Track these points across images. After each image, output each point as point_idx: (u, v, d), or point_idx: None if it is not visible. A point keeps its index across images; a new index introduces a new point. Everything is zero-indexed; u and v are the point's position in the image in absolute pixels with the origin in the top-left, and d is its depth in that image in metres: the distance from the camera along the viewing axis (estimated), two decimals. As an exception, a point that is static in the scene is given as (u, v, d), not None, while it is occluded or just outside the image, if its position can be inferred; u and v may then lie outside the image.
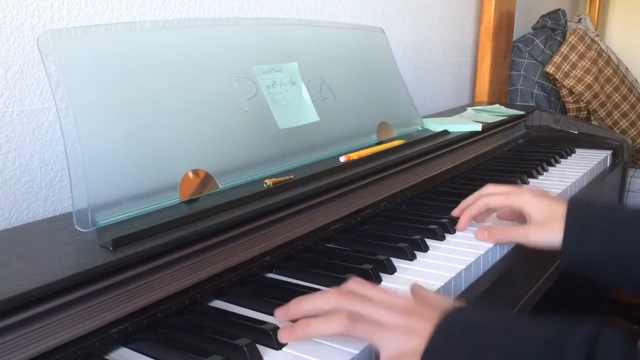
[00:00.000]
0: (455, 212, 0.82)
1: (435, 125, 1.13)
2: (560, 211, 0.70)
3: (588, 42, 1.94)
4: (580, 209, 0.70)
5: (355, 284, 0.55)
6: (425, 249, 0.72)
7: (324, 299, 0.53)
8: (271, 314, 0.57)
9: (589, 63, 1.90)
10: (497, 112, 1.38)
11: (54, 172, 0.79)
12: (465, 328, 0.49)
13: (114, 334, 0.51)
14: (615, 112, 1.96)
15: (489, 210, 0.80)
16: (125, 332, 0.52)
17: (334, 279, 0.63)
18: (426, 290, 0.57)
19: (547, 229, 0.71)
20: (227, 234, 0.61)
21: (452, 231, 0.78)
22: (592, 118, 1.97)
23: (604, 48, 2.07)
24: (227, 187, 0.71)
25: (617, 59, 2.15)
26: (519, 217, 0.78)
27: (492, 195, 0.78)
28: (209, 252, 0.60)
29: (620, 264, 0.66)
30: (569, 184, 1.03)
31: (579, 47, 1.92)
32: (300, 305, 0.53)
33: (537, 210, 0.73)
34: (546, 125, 1.43)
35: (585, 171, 1.13)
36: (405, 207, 0.90)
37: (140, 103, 0.66)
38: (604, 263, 0.67)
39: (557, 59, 1.90)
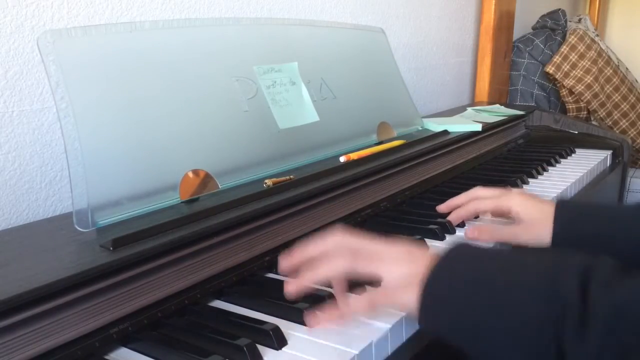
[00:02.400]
0: (441, 208, 0.82)
1: (435, 125, 1.13)
2: (548, 211, 0.71)
3: (588, 42, 1.94)
4: (568, 208, 0.71)
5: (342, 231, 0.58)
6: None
7: (325, 240, 0.55)
8: (271, 314, 0.57)
9: (589, 63, 1.90)
10: (497, 112, 1.38)
11: (54, 172, 0.79)
12: (469, 257, 0.51)
13: (114, 334, 0.51)
14: (615, 112, 1.96)
15: (477, 214, 0.82)
16: (125, 332, 0.52)
17: (334, 279, 0.63)
18: None
19: (535, 229, 0.71)
20: (227, 234, 0.61)
21: (452, 231, 0.78)
22: (592, 118, 1.97)
23: (604, 48, 2.07)
24: (227, 187, 0.71)
25: (617, 59, 2.15)
26: (507, 217, 0.79)
27: (482, 199, 0.79)
28: (209, 252, 0.60)
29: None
30: (569, 184, 1.03)
31: (579, 47, 1.92)
32: (303, 251, 0.56)
33: (526, 210, 0.74)
34: (546, 125, 1.43)
35: (585, 171, 1.13)
36: (405, 207, 0.90)
37: (140, 103, 0.66)
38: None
39: (557, 59, 1.90)
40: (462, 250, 0.52)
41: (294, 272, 0.56)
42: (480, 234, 0.75)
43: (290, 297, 0.54)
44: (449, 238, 0.77)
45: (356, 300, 0.53)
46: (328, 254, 0.54)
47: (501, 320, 0.45)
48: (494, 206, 0.78)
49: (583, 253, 0.48)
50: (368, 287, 0.57)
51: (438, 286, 0.49)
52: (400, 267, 0.52)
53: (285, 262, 0.56)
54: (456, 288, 0.49)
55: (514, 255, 0.51)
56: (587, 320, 0.42)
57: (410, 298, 0.50)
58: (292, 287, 0.54)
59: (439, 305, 0.49)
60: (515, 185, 0.99)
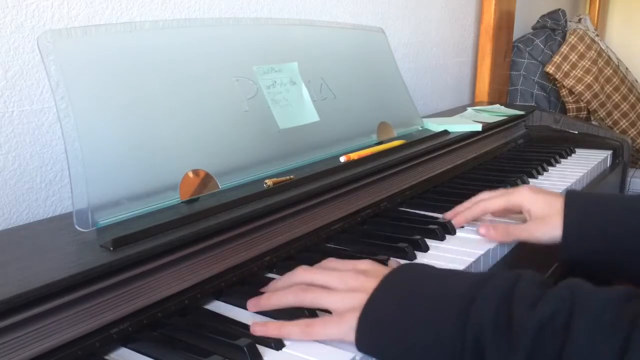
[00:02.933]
0: (448, 216, 0.82)
1: (435, 125, 1.13)
2: (558, 205, 0.71)
3: (588, 42, 1.94)
4: (578, 202, 0.71)
5: (325, 260, 0.61)
6: (425, 249, 0.72)
7: (287, 276, 0.59)
8: (271, 315, 0.57)
9: (589, 63, 1.90)
10: (497, 112, 1.37)
11: (54, 172, 0.79)
12: (404, 281, 0.52)
13: (114, 334, 0.51)
14: (615, 112, 1.96)
15: (486, 214, 0.81)
16: (125, 332, 0.52)
17: (334, 279, 0.63)
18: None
19: (548, 224, 0.71)
20: (227, 234, 0.61)
21: (453, 231, 0.78)
22: (592, 118, 1.97)
23: (604, 48, 2.07)
24: (227, 187, 0.71)
25: (617, 59, 2.15)
26: (515, 214, 0.79)
27: (490, 199, 0.78)
28: (209, 252, 0.60)
29: (618, 256, 0.67)
30: (569, 184, 1.03)
31: (579, 47, 1.92)
32: (274, 284, 0.60)
33: (536, 205, 0.74)
34: (546, 125, 1.43)
35: (585, 171, 1.13)
36: (405, 207, 0.90)
37: (141, 103, 0.66)
38: (602, 255, 0.68)
39: (557, 59, 1.90)
40: (399, 275, 0.53)
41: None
42: (496, 235, 0.75)
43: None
44: (449, 238, 0.77)
45: (294, 325, 0.53)
46: (285, 285, 0.58)
47: (425, 348, 0.47)
48: (504, 203, 0.77)
49: (510, 272, 0.50)
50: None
51: (373, 312, 0.50)
52: (343, 298, 0.53)
53: (252, 305, 0.58)
54: (387, 315, 0.50)
55: (443, 279, 0.52)
56: (510, 340, 0.44)
57: (347, 327, 0.51)
58: (252, 307, 0.57)
59: (373, 331, 0.50)
60: (515, 185, 0.99)
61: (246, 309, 0.59)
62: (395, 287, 0.52)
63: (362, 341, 0.50)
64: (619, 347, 0.41)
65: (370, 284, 0.53)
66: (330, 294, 0.54)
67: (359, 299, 0.52)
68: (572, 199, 0.71)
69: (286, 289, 0.57)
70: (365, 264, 0.58)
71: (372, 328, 0.50)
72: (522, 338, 0.43)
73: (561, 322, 0.43)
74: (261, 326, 0.53)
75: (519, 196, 0.76)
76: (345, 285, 0.55)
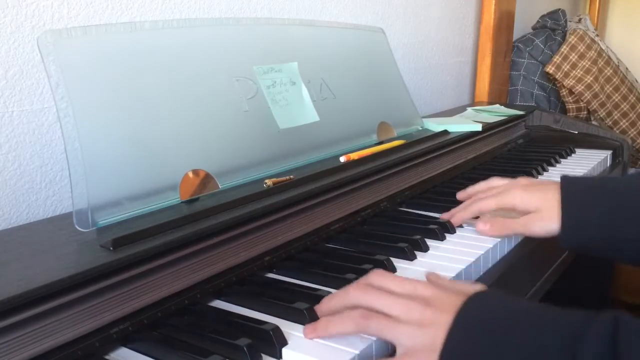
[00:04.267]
0: (444, 217, 0.82)
1: (435, 125, 1.13)
2: (553, 197, 0.71)
3: (588, 42, 1.94)
4: (573, 191, 0.71)
5: (375, 275, 0.55)
6: (425, 249, 0.72)
7: (342, 295, 0.54)
8: (271, 314, 0.57)
9: (589, 63, 1.90)
10: (497, 112, 1.37)
11: (54, 172, 0.79)
12: (484, 323, 0.47)
13: (114, 334, 0.51)
14: (615, 112, 1.96)
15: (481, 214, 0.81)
16: (125, 332, 0.52)
17: (334, 279, 0.63)
18: (442, 278, 0.58)
19: (544, 218, 0.71)
20: (227, 234, 0.61)
21: (452, 231, 0.78)
22: (592, 118, 1.97)
23: (604, 48, 2.07)
24: (227, 187, 0.71)
25: (617, 59, 2.15)
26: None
27: (484, 200, 0.78)
28: (209, 252, 0.60)
29: (618, 241, 0.67)
30: (569, 184, 1.03)
31: (579, 47, 1.92)
32: (327, 303, 0.55)
33: (530, 204, 0.74)
34: (546, 125, 1.43)
35: (585, 171, 1.13)
36: (405, 207, 0.90)
37: (141, 103, 0.66)
38: (602, 242, 0.68)
39: (557, 59, 1.90)
40: (474, 314, 0.49)
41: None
42: (492, 229, 0.75)
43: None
44: (449, 238, 0.77)
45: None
46: (345, 308, 0.53)
47: None
48: (496, 205, 0.77)
49: (606, 314, 0.45)
50: None
51: (453, 355, 0.47)
52: (413, 336, 0.49)
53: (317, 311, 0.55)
54: (474, 355, 0.46)
55: (531, 318, 0.47)
56: None
57: None
58: (309, 334, 0.52)
59: None
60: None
61: (246, 308, 0.59)
62: (476, 328, 0.47)
63: None
64: None
65: (441, 319, 0.48)
66: (396, 326, 0.49)
67: (432, 337, 0.47)
68: (568, 188, 0.71)
69: (344, 314, 0.52)
70: (425, 289, 0.52)
71: None
72: None
73: None
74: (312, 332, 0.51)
75: (512, 198, 0.75)
76: (409, 316, 0.50)
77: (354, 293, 0.53)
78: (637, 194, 0.68)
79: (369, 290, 0.53)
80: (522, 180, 0.79)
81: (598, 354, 0.42)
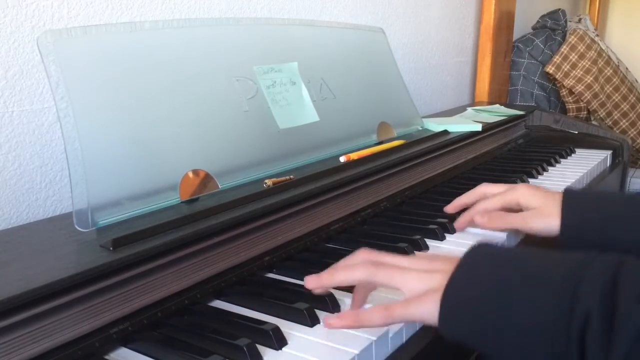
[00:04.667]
0: (449, 209, 0.82)
1: (435, 125, 1.13)
2: (556, 198, 0.72)
3: (588, 42, 1.94)
4: (575, 197, 0.72)
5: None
6: (425, 249, 0.72)
7: (349, 258, 0.55)
8: (271, 314, 0.57)
9: (589, 63, 1.90)
10: (497, 112, 1.38)
11: (54, 172, 0.79)
12: (488, 260, 0.49)
13: (114, 334, 0.51)
14: (615, 112, 1.96)
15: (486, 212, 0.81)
16: (125, 332, 0.52)
17: (334, 279, 0.63)
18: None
19: (544, 215, 0.72)
20: (227, 234, 0.61)
21: (452, 231, 0.78)
22: (592, 118, 1.97)
23: (604, 48, 2.07)
24: (227, 187, 0.71)
25: (617, 59, 2.15)
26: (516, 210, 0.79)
27: (489, 198, 0.78)
28: (209, 252, 0.60)
29: (617, 247, 0.66)
30: (569, 184, 1.03)
31: (579, 47, 1.92)
32: (333, 267, 0.55)
33: (533, 199, 0.74)
34: (546, 125, 1.43)
35: (585, 171, 1.13)
36: (405, 207, 0.90)
37: (141, 103, 0.66)
38: (601, 246, 0.67)
39: (557, 59, 1.90)
40: (480, 254, 0.50)
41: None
42: (490, 221, 0.75)
43: (310, 290, 0.55)
44: (449, 238, 0.77)
45: (373, 310, 0.51)
46: (351, 263, 0.55)
47: (521, 328, 0.44)
48: (502, 203, 0.78)
49: (610, 254, 0.46)
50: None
51: (457, 293, 0.48)
52: (421, 279, 0.51)
53: (312, 281, 0.56)
54: (475, 295, 0.47)
55: (533, 257, 0.49)
56: (612, 336, 0.40)
57: (429, 308, 0.49)
58: (311, 284, 0.54)
59: (459, 312, 0.47)
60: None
61: (247, 308, 0.59)
62: (481, 265, 0.49)
63: (447, 324, 0.48)
64: None
65: (447, 266, 0.50)
66: (405, 272, 0.51)
67: (438, 280, 0.49)
68: (570, 195, 0.72)
69: (354, 262, 0.54)
70: (430, 254, 0.56)
71: (457, 309, 0.47)
72: (623, 337, 0.40)
73: None
74: (337, 318, 0.51)
75: (516, 193, 0.76)
76: (418, 265, 0.52)
77: (362, 252, 0.55)
78: (635, 203, 0.69)
79: (377, 252, 0.55)
80: (526, 184, 0.80)
81: (598, 289, 0.42)
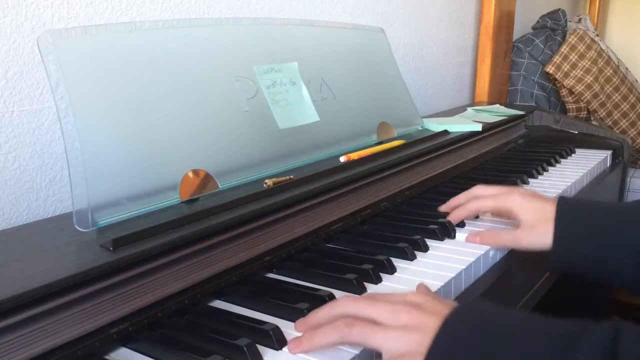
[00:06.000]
0: (443, 209, 0.83)
1: (435, 125, 1.13)
2: (549, 213, 0.70)
3: (588, 42, 1.94)
4: (569, 210, 0.70)
5: (364, 295, 0.55)
6: (425, 249, 0.72)
7: (329, 306, 0.52)
8: (271, 314, 0.57)
9: (589, 63, 1.90)
10: (497, 112, 1.38)
11: (54, 172, 0.79)
12: (474, 325, 0.46)
13: (114, 334, 0.51)
14: (615, 112, 1.96)
15: (478, 214, 0.82)
16: (125, 332, 0.52)
17: (334, 279, 0.63)
18: (432, 293, 0.56)
19: (537, 232, 0.71)
20: (227, 234, 0.61)
21: (452, 231, 0.78)
22: (592, 118, 1.97)
23: (604, 48, 2.07)
24: (227, 187, 0.71)
25: (617, 59, 2.15)
26: (508, 217, 0.79)
27: (482, 198, 0.78)
28: (209, 252, 0.60)
29: (609, 264, 0.66)
30: (569, 184, 1.03)
31: (579, 47, 1.92)
32: (314, 315, 0.53)
33: (527, 212, 0.73)
34: (546, 125, 1.43)
35: (585, 171, 1.13)
36: (405, 207, 0.90)
37: (141, 103, 0.66)
38: (592, 264, 0.67)
39: (557, 59, 1.90)
40: (463, 320, 0.47)
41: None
42: (482, 240, 0.74)
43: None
44: (449, 238, 0.77)
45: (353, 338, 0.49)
46: (328, 318, 0.51)
47: None
48: (494, 206, 0.77)
49: (604, 323, 0.44)
50: None
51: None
52: (398, 339, 0.47)
53: (301, 325, 0.53)
54: None
55: (522, 326, 0.46)
56: None
57: None
58: (294, 349, 0.51)
59: None
60: (515, 185, 0.99)
61: (247, 308, 0.59)
62: (464, 333, 0.45)
63: None
64: None
65: (428, 323, 0.47)
66: (380, 330, 0.48)
67: (417, 341, 0.46)
68: (564, 207, 0.70)
69: (329, 325, 0.50)
70: (414, 296, 0.51)
71: None
72: None
73: None
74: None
75: (510, 201, 0.75)
76: (397, 321, 0.48)
77: (342, 302, 0.52)
78: (628, 217, 0.67)
79: (358, 299, 0.52)
80: (521, 189, 0.79)
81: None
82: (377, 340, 0.48)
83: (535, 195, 0.76)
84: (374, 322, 0.49)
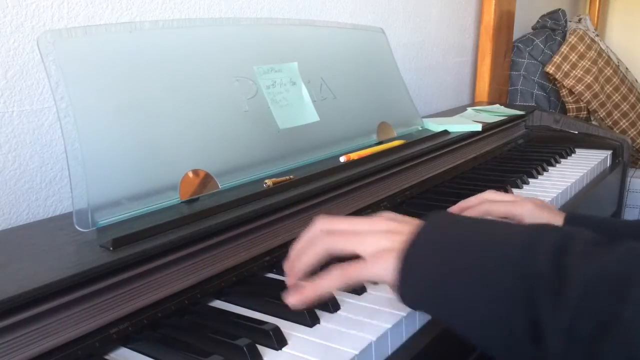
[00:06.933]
0: (453, 209, 0.81)
1: (435, 125, 1.13)
2: (558, 223, 0.70)
3: (588, 42, 1.94)
4: (576, 224, 0.70)
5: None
6: (425, 249, 0.72)
7: (306, 231, 0.55)
8: (271, 314, 0.57)
9: (589, 63, 1.90)
10: (497, 112, 1.38)
11: (54, 172, 0.79)
12: (449, 222, 0.50)
13: (114, 334, 0.51)
14: (615, 112, 1.96)
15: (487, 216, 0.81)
16: (125, 332, 0.52)
17: (334, 279, 0.63)
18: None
19: None
20: (227, 234, 0.61)
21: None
22: (592, 118, 1.97)
23: (604, 48, 2.07)
24: (227, 187, 0.71)
25: (617, 59, 2.15)
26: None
27: (495, 202, 0.78)
28: (209, 252, 0.60)
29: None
30: (569, 184, 1.03)
31: (579, 47, 1.92)
32: (294, 250, 0.55)
33: (537, 222, 0.72)
34: (546, 125, 1.43)
35: (585, 171, 1.13)
36: (405, 207, 0.90)
37: (140, 103, 0.66)
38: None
39: (557, 59, 1.90)
40: (440, 220, 0.51)
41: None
42: None
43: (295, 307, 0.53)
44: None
45: (329, 276, 0.51)
46: (309, 243, 0.54)
47: (476, 293, 0.44)
48: (506, 211, 0.77)
49: (561, 228, 0.48)
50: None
51: (415, 258, 0.48)
52: (377, 240, 0.50)
53: (286, 266, 0.56)
54: (433, 260, 0.47)
55: (491, 226, 0.50)
56: (562, 289, 0.41)
57: (385, 268, 0.48)
58: (293, 300, 0.52)
59: (416, 278, 0.47)
60: (515, 185, 0.99)
61: (247, 308, 0.59)
62: (439, 230, 0.49)
63: (404, 282, 0.47)
64: None
65: (405, 228, 0.50)
66: (362, 236, 0.51)
67: (397, 240, 0.49)
68: (572, 221, 0.71)
69: (309, 247, 0.53)
70: (390, 214, 0.54)
71: (413, 268, 0.47)
72: (574, 290, 0.40)
73: (618, 287, 0.40)
74: (297, 294, 0.51)
75: (522, 209, 0.75)
76: (376, 228, 0.51)
77: (318, 221, 0.54)
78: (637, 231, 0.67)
79: (333, 217, 0.54)
80: (536, 200, 0.79)
81: (550, 246, 0.43)
82: (358, 243, 0.51)
83: (547, 207, 0.76)
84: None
